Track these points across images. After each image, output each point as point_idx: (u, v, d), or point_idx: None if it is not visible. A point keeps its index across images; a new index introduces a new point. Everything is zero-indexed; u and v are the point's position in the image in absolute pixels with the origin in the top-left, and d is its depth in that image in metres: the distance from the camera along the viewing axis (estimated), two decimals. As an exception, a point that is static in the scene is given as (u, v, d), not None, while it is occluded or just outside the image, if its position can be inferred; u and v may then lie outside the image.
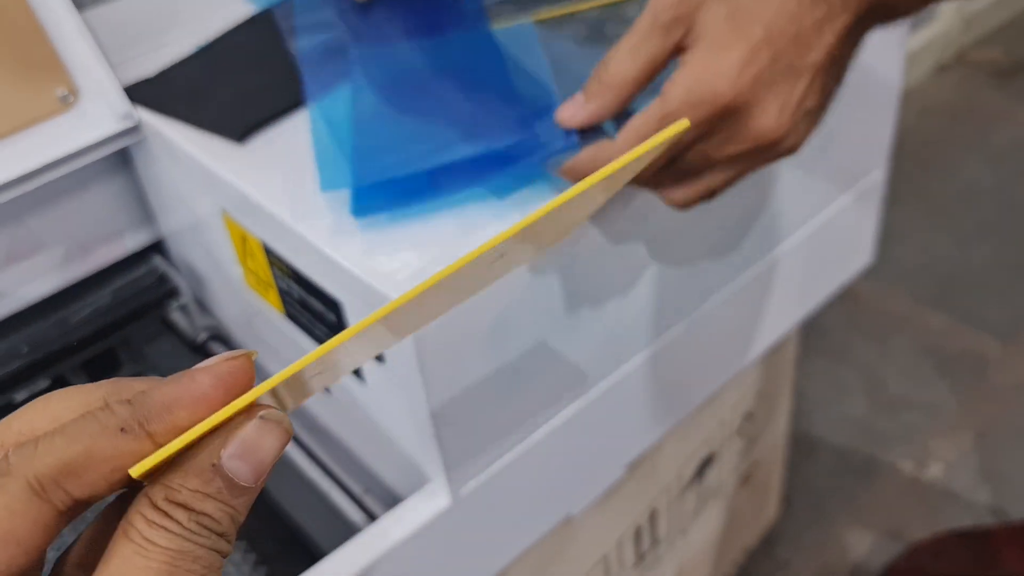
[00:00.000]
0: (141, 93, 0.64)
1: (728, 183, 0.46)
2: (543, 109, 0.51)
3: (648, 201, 0.52)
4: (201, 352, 0.72)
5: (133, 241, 0.74)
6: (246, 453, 0.23)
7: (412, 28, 0.63)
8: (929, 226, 1.69)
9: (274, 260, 0.56)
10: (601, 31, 0.63)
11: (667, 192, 0.46)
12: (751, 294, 0.67)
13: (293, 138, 0.57)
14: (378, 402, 0.55)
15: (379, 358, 0.50)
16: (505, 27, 0.63)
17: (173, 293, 0.71)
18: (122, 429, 0.23)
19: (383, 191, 0.48)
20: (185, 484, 0.23)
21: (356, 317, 0.50)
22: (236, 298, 0.68)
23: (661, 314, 0.61)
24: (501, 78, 0.56)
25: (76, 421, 0.23)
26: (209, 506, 0.23)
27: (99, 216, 0.71)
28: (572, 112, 0.45)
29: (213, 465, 0.23)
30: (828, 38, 0.39)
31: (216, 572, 0.23)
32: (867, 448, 1.34)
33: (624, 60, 0.43)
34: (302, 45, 0.62)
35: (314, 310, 0.54)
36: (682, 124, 0.33)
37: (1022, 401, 1.38)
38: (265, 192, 0.53)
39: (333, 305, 0.51)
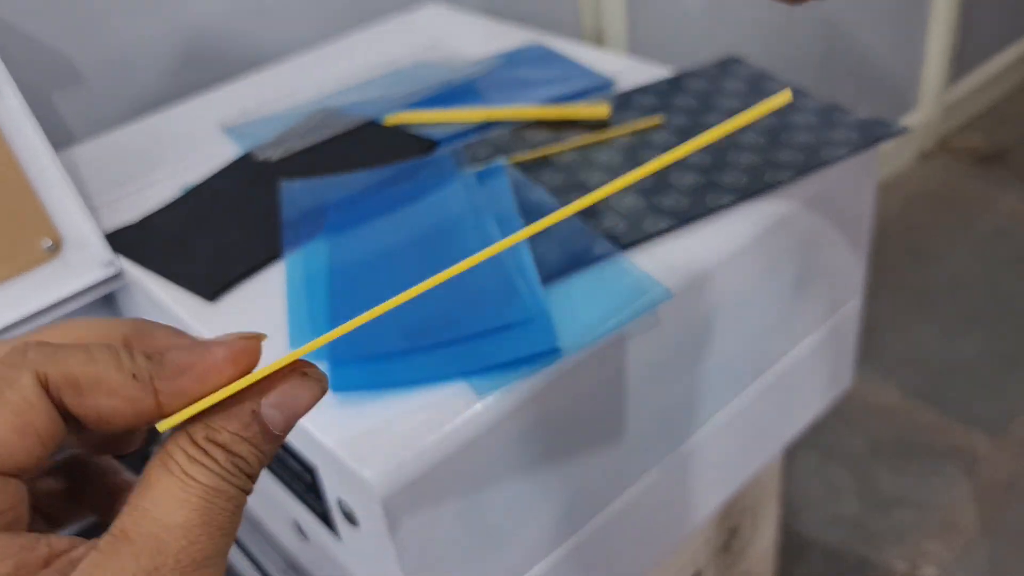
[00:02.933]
0: (123, 241, 0.65)
1: None
2: (519, 290, 0.52)
3: (629, 350, 0.53)
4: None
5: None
6: (283, 404, 0.25)
7: (388, 184, 0.64)
8: (916, 317, 1.70)
9: (251, 415, 0.56)
10: (576, 177, 0.64)
11: None
12: (732, 430, 0.68)
13: (272, 292, 0.58)
14: (354, 561, 0.55)
15: (352, 520, 0.50)
16: (481, 169, 0.65)
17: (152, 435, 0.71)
18: (134, 375, 0.24)
19: (360, 368, 0.49)
20: (227, 426, 0.24)
21: (331, 484, 0.50)
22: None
23: (641, 456, 0.61)
24: (478, 240, 0.57)
25: (100, 347, 0.24)
26: (244, 449, 0.24)
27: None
28: None
29: (253, 411, 0.24)
30: None
31: (240, 512, 0.24)
32: (860, 549, 1.32)
33: None
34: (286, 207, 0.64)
35: (291, 469, 0.55)
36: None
37: (1013, 500, 1.37)
38: (242, 353, 0.53)
39: (309, 469, 0.52)
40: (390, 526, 0.46)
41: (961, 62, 2.05)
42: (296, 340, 0.52)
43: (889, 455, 1.46)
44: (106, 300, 0.69)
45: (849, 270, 0.72)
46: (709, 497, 0.71)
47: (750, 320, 0.64)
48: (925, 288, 1.77)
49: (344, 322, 0.50)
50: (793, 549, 1.32)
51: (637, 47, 1.31)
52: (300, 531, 0.61)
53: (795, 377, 0.71)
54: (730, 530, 0.94)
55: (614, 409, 0.56)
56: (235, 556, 0.68)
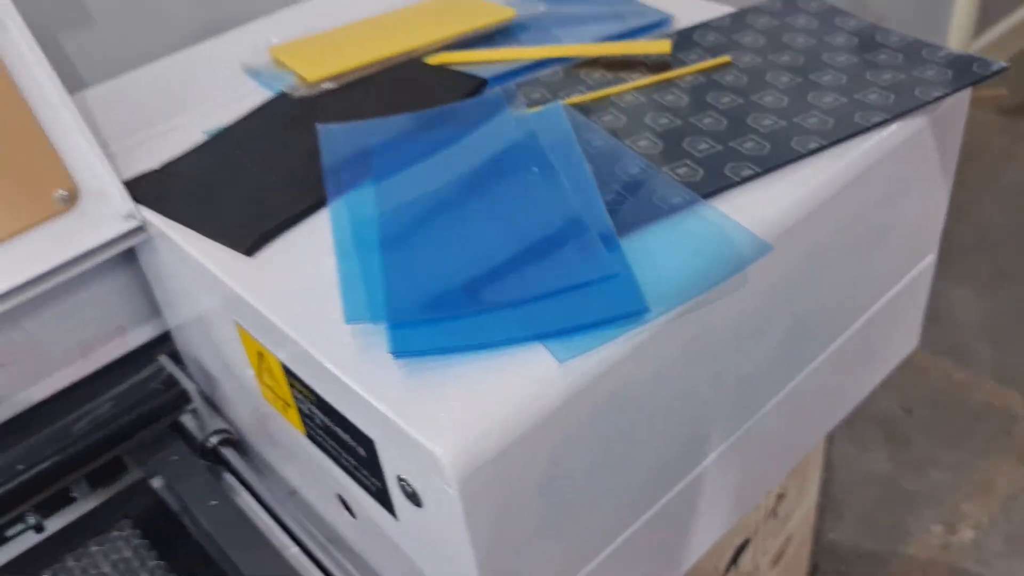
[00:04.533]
0: (145, 190, 0.59)
1: None
2: (597, 243, 0.47)
3: (715, 310, 0.48)
4: (212, 457, 0.67)
5: (137, 337, 0.69)
6: None
7: (435, 126, 0.59)
8: (944, 272, 1.65)
9: (295, 382, 0.51)
10: (641, 119, 0.59)
11: None
12: (805, 396, 0.63)
13: (315, 244, 0.52)
14: (412, 543, 0.50)
15: (415, 501, 0.45)
16: (536, 110, 0.59)
17: (182, 399, 0.66)
18: None
19: (422, 329, 0.44)
20: None
21: (391, 460, 0.45)
22: (249, 401, 0.63)
23: (718, 426, 0.56)
24: (543, 186, 0.52)
25: None
26: None
27: (100, 313, 0.66)
28: None
29: None
30: None
31: None
32: (895, 510, 1.29)
33: None
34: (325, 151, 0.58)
35: (341, 440, 0.49)
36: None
37: (1051, 458, 1.34)
38: (286, 315, 0.48)
39: (365, 441, 0.47)
40: (465, 509, 0.41)
41: (986, 14, 1.98)
42: (349, 298, 0.47)
43: (922, 414, 1.42)
44: (126, 256, 0.64)
45: (930, 220, 0.66)
46: (777, 466, 0.67)
47: (831, 276, 0.58)
48: (952, 243, 1.72)
49: (401, 275, 0.45)
50: (828, 510, 1.28)
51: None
52: (346, 508, 0.57)
53: (869, 338, 0.66)
54: (778, 496, 0.90)
55: (696, 376, 0.51)
56: (269, 525, 0.63)
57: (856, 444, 1.38)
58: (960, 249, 1.70)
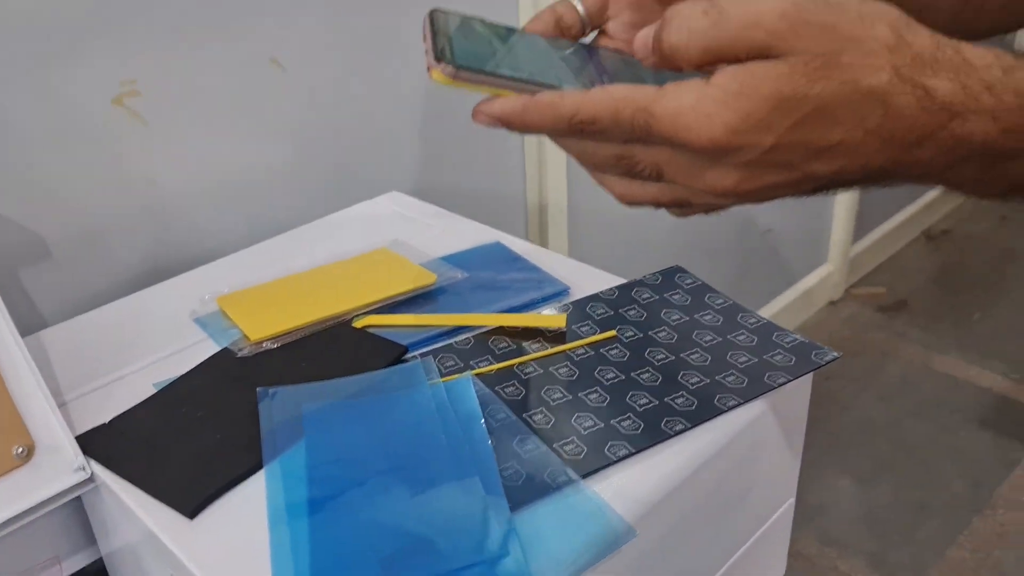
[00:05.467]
0: (95, 444, 0.66)
1: (671, 202, 0.43)
2: (491, 522, 0.55)
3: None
4: None
5: (71, 565, 0.74)
6: None
7: (361, 395, 0.68)
8: (829, 463, 1.78)
9: (226, 637, 0.57)
10: (538, 392, 0.69)
11: (609, 184, 0.44)
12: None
13: (251, 505, 0.60)
14: None
15: None
16: (450, 381, 0.69)
17: (111, 631, 0.70)
18: None
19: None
20: None
21: None
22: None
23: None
24: (450, 460, 0.61)
25: None
26: None
27: (39, 546, 0.71)
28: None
29: None
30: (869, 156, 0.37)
31: None
32: None
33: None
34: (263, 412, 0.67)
35: None
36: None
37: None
38: (222, 582, 0.55)
39: None
40: None
41: (862, 223, 2.21)
42: (278, 571, 0.54)
43: (809, 607, 1.51)
44: (73, 500, 0.70)
45: (785, 474, 0.77)
46: None
47: (698, 531, 0.68)
48: (836, 435, 1.86)
49: (324, 549, 0.53)
50: None
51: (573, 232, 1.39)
52: None
53: (739, 573, 0.76)
54: None
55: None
56: None
57: (749, 636, 1.45)
58: (842, 442, 1.84)
